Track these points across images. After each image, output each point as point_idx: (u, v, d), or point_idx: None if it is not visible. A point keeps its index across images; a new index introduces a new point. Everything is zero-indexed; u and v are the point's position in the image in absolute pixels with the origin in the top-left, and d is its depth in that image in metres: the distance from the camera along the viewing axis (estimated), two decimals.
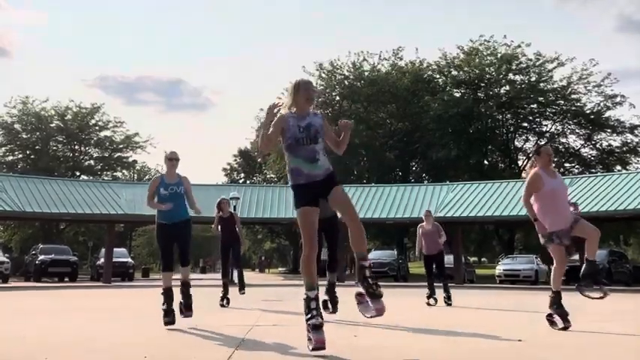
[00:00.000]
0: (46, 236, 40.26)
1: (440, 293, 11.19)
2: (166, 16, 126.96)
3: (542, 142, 41.14)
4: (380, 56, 42.72)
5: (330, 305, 7.73)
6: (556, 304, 6.50)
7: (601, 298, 6.40)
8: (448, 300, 11.02)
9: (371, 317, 4.77)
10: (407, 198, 27.01)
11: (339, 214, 7.99)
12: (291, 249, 45.28)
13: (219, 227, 11.14)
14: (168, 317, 6.75)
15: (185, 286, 7.10)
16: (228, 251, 11.18)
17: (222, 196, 11.93)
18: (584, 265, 6.46)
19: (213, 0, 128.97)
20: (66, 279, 27.07)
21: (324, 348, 4.54)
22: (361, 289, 4.77)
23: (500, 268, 28.32)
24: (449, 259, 26.67)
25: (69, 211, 24.93)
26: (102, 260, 27.83)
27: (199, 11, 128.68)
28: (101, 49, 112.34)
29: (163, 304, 6.82)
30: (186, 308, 7.05)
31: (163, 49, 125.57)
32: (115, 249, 28.00)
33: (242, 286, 11.55)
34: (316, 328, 4.62)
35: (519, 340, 5.52)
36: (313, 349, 4.56)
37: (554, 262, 6.68)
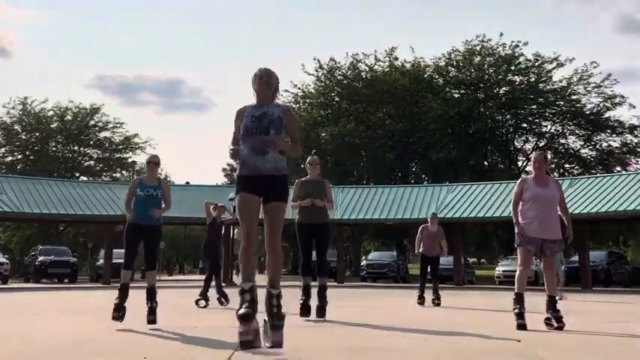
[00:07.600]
0: (45, 237, 40.24)
1: (429, 294, 11.33)
2: (166, 15, 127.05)
3: (542, 143, 41.20)
4: (375, 57, 42.58)
5: (312, 311, 7.55)
6: (519, 303, 6.78)
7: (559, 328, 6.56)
8: (437, 300, 11.15)
9: (269, 347, 4.43)
10: (406, 199, 27.00)
11: (330, 215, 7.98)
12: (290, 250, 45.19)
13: (209, 227, 11.13)
14: (117, 312, 6.77)
15: (151, 292, 6.93)
16: (209, 254, 11.19)
17: (219, 204, 11.39)
18: (546, 301, 6.85)
19: (213, 0, 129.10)
20: (65, 280, 27.05)
21: (249, 339, 4.42)
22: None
23: (499, 269, 28.27)
24: (448, 260, 26.75)
25: (68, 212, 24.92)
26: (101, 261, 27.82)
27: (199, 11, 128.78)
28: (100, 49, 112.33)
29: (117, 298, 6.84)
30: (150, 312, 6.81)
31: (163, 49, 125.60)
32: (114, 250, 27.91)
33: (222, 296, 10.60)
34: (242, 319, 4.45)
35: (518, 341, 5.52)
36: (239, 340, 4.46)
37: (519, 264, 6.96)
